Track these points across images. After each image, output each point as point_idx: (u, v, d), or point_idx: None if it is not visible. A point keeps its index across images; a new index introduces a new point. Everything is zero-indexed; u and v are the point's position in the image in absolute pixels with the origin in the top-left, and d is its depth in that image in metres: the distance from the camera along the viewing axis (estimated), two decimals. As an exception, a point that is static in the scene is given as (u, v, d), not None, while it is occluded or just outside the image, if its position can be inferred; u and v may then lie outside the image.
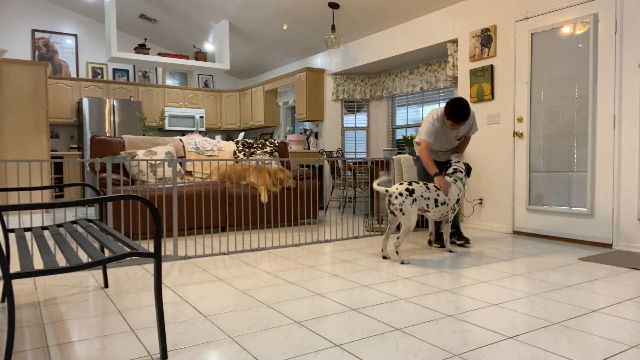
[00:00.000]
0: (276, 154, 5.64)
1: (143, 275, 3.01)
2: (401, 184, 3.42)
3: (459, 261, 3.36)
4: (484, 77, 4.78)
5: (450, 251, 3.68)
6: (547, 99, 4.23)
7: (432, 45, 5.48)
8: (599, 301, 2.40)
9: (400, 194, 3.35)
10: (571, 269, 3.11)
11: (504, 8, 4.59)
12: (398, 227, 4.47)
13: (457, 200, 3.59)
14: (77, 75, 8.05)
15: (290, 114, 8.72)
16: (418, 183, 3.45)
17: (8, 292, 1.48)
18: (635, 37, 3.61)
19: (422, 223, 4.91)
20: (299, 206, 5.09)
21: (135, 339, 1.91)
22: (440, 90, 6.15)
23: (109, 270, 3.14)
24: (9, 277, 1.46)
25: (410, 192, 3.37)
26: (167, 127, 8.48)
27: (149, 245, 3.76)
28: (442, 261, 3.36)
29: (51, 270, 1.51)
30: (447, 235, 3.67)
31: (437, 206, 3.47)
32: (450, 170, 3.68)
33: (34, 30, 7.67)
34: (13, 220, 5.53)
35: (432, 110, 3.78)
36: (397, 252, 3.33)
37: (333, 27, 5.90)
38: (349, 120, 7.36)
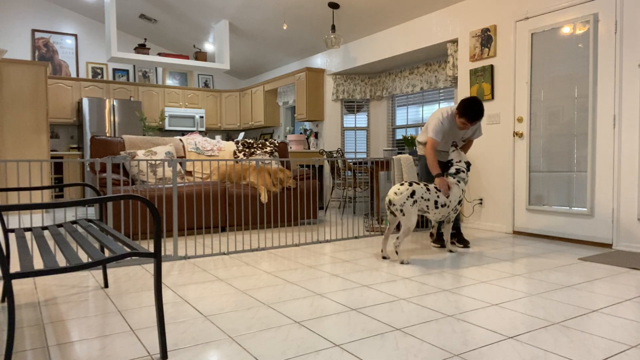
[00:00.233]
0: (276, 154, 5.64)
1: (143, 275, 3.01)
2: (402, 184, 3.42)
3: (459, 261, 3.36)
4: (484, 77, 4.78)
5: (451, 251, 3.68)
6: (547, 99, 4.23)
7: (432, 45, 5.47)
8: (599, 301, 2.40)
9: (401, 195, 3.34)
10: (571, 269, 3.11)
11: (504, 8, 4.59)
12: (398, 227, 4.47)
13: (459, 202, 3.59)
14: (77, 75, 8.05)
15: (290, 114, 8.72)
16: (419, 184, 3.44)
17: (8, 292, 1.48)
18: (635, 37, 3.61)
19: (422, 223, 4.91)
20: (299, 206, 5.09)
21: (135, 339, 1.91)
22: (440, 90, 6.15)
23: (109, 270, 3.14)
24: (9, 277, 1.46)
25: (411, 193, 3.37)
26: (167, 127, 8.48)
27: (149, 245, 3.76)
28: (442, 261, 3.36)
29: (51, 270, 1.51)
30: (448, 235, 3.67)
31: (436, 208, 3.47)
32: (453, 170, 3.66)
33: (34, 30, 7.67)
34: (13, 220, 5.53)
35: (440, 109, 3.75)
36: (396, 252, 3.32)
37: (333, 27, 5.90)
38: (349, 120, 7.36)
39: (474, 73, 4.90)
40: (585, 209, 3.94)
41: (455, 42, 5.26)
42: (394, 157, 4.72)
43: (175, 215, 3.50)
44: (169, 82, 9.05)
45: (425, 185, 3.46)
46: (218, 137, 7.66)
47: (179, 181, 4.81)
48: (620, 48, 3.68)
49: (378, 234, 4.58)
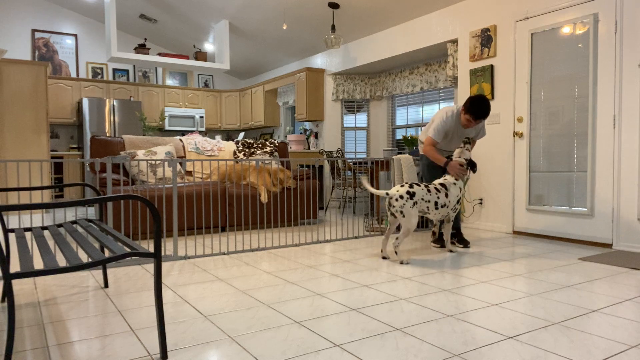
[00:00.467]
0: (276, 154, 5.64)
1: (143, 275, 3.01)
2: (402, 186, 3.41)
3: (459, 261, 3.36)
4: (484, 77, 4.78)
5: (451, 251, 3.68)
6: (547, 99, 4.23)
7: (432, 45, 5.47)
8: (599, 301, 2.40)
9: (401, 197, 3.34)
10: (571, 269, 3.11)
11: (504, 8, 4.59)
12: (398, 228, 4.47)
13: (458, 200, 3.59)
14: (77, 75, 8.05)
15: (290, 114, 8.72)
16: (419, 185, 3.44)
17: (8, 292, 1.48)
18: (635, 37, 3.61)
19: (422, 224, 4.91)
20: (299, 206, 5.09)
21: (135, 339, 1.91)
22: (440, 90, 6.15)
23: (109, 270, 3.14)
24: (9, 277, 1.46)
25: (411, 194, 3.36)
26: (167, 127, 8.48)
27: (149, 245, 3.76)
28: (442, 261, 3.36)
29: (51, 270, 1.51)
30: (448, 235, 3.67)
31: (437, 209, 3.47)
32: None
33: (34, 30, 7.67)
34: (13, 220, 5.53)
35: (445, 108, 3.74)
36: (396, 253, 3.32)
37: (333, 27, 5.90)
38: (349, 120, 7.36)
39: (474, 73, 4.90)
40: (585, 209, 3.94)
41: (455, 42, 5.26)
42: (394, 157, 4.72)
43: (175, 215, 3.50)
44: (169, 82, 9.05)
45: (425, 186, 3.46)
46: (218, 137, 7.66)
47: (179, 181, 4.81)
48: (620, 48, 3.68)
49: (378, 234, 4.58)
